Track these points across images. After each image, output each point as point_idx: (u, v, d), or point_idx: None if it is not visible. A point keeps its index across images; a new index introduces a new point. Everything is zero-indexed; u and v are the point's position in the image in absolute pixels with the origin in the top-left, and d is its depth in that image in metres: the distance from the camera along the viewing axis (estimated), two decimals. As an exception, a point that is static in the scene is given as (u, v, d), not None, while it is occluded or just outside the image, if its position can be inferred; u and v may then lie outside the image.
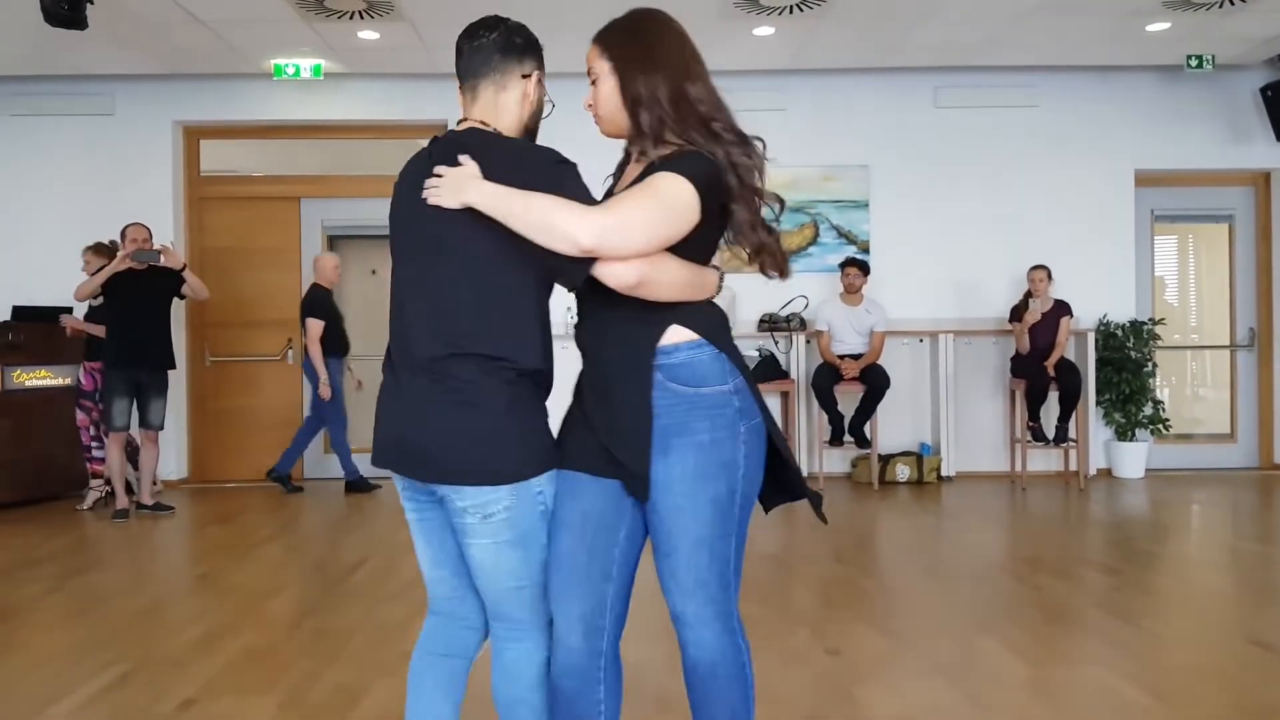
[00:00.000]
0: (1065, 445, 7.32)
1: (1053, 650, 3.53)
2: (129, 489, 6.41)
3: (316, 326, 7.03)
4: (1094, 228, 7.87)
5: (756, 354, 7.56)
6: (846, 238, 7.92)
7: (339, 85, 7.71)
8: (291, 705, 2.96)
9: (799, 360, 7.65)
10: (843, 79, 7.87)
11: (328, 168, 8.33)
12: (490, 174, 1.79)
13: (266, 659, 3.44)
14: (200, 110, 7.84)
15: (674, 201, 1.76)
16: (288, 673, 3.27)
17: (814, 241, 7.93)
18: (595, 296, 1.82)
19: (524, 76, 1.93)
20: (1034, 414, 7.24)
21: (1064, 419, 7.21)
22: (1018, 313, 7.31)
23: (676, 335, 1.82)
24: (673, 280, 1.79)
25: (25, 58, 7.11)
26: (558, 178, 1.80)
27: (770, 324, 7.68)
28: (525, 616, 1.91)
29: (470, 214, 1.78)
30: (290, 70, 7.31)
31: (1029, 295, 7.28)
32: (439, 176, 1.81)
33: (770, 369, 7.47)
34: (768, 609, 3.99)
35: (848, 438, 7.28)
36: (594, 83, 1.91)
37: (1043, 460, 7.66)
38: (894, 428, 7.67)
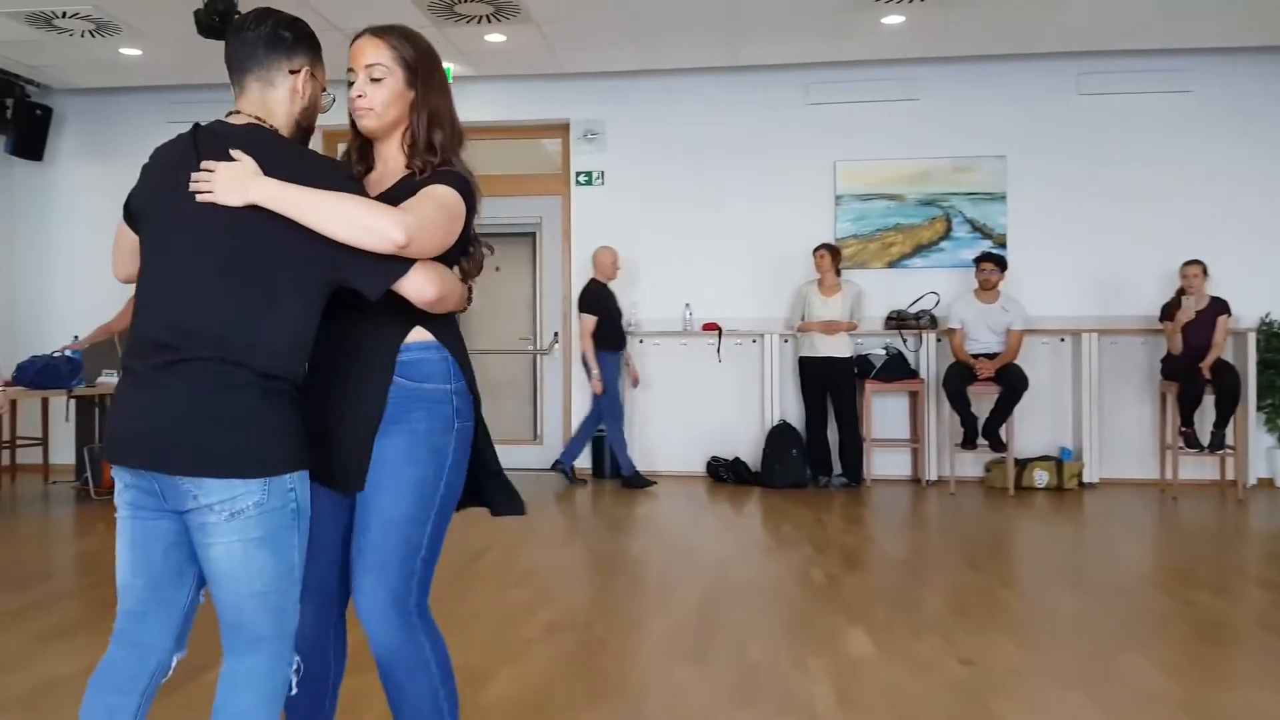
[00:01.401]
0: (1222, 453, 6.84)
1: (1206, 670, 3.27)
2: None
3: (590, 321, 7.08)
4: (1254, 220, 7.35)
5: (883, 352, 7.34)
6: (981, 232, 7.61)
7: (467, 88, 7.82)
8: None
9: (929, 360, 7.39)
10: (978, 67, 7.57)
11: (457, 171, 8.48)
12: (270, 173, 1.72)
13: (389, 645, 3.48)
14: (337, 114, 8.06)
15: (456, 213, 1.86)
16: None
17: (946, 236, 7.65)
18: (339, 312, 1.83)
19: (292, 72, 1.86)
20: (1187, 419, 6.78)
21: (1220, 424, 6.73)
22: (1169, 311, 6.87)
23: (414, 335, 1.92)
24: (454, 292, 1.89)
25: (180, 68, 7.50)
26: (349, 189, 1.78)
27: (898, 321, 7.46)
28: (265, 627, 1.76)
29: (247, 212, 1.70)
30: (422, 73, 7.48)
31: (1182, 292, 6.83)
32: (209, 171, 1.73)
33: (897, 368, 7.24)
34: (897, 616, 3.83)
35: (981, 440, 6.98)
36: (375, 80, 1.91)
37: (1196, 468, 7.19)
38: (1032, 431, 7.33)
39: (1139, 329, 7.34)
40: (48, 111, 8.11)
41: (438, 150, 1.93)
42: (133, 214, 1.89)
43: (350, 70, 1.93)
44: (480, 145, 8.65)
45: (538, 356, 8.24)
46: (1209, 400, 6.75)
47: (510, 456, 9.26)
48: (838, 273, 7.26)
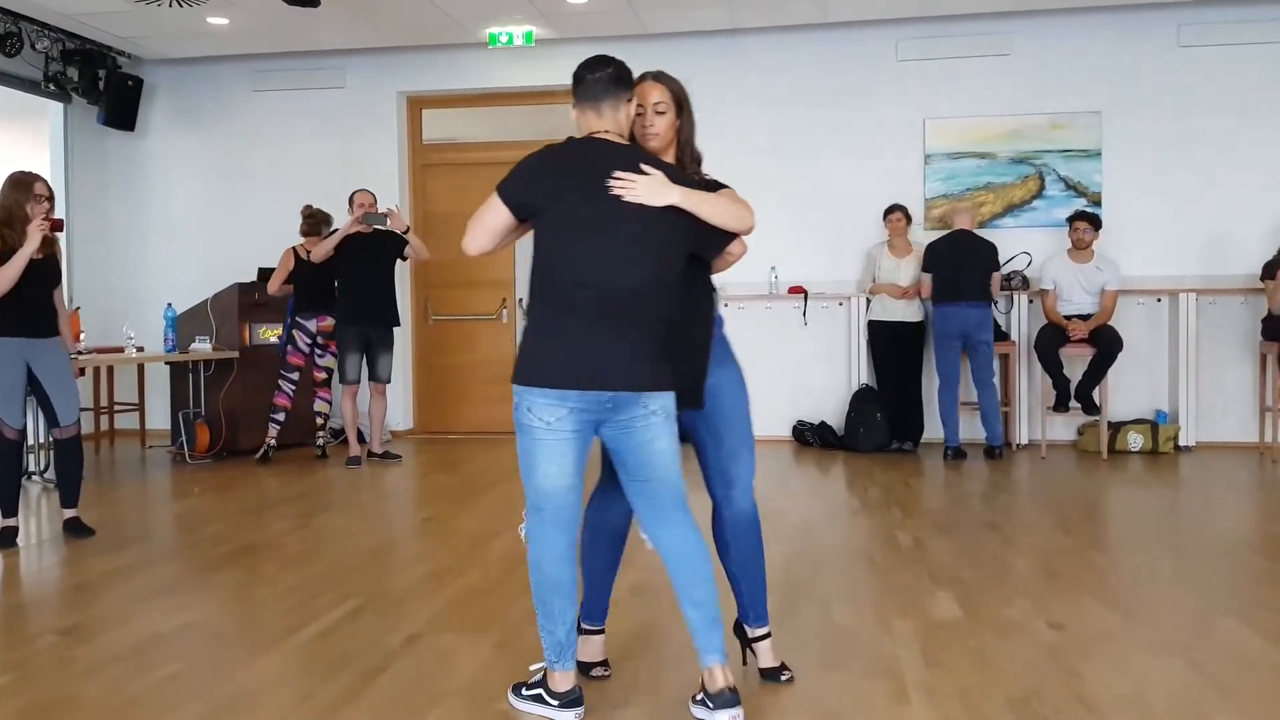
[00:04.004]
0: (1326, 416, 6.61)
1: (1311, 637, 3.20)
2: (360, 438, 6.88)
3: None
4: (1367, 174, 7.02)
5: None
6: (1075, 190, 7.42)
7: (550, 51, 7.88)
8: (507, 644, 3.09)
9: (1021, 321, 7.26)
10: (1072, 19, 7.33)
11: (540, 133, 8.45)
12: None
13: (485, 599, 3.61)
14: (422, 81, 8.23)
15: None
16: (505, 613, 3.42)
17: (1039, 194, 7.47)
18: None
19: (628, 101, 2.54)
20: (1289, 381, 6.57)
21: (1325, 387, 6.51)
22: (1272, 269, 6.62)
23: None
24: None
25: (265, 37, 7.69)
26: (706, 189, 2.54)
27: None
28: (683, 490, 2.54)
29: (661, 207, 2.39)
30: (504, 39, 7.55)
31: (1286, 250, 6.59)
32: (629, 179, 2.38)
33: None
34: (985, 579, 3.82)
35: (1074, 403, 6.86)
36: (661, 113, 2.60)
37: (1298, 432, 6.96)
38: (1126, 393, 7.17)
39: (1239, 288, 7.10)
40: (139, 82, 8.29)
41: (698, 161, 2.67)
42: (526, 203, 2.44)
43: (639, 106, 2.58)
44: (564, 109, 8.67)
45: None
46: (1314, 362, 6.52)
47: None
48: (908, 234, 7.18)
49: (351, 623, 3.33)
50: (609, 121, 2.51)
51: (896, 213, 7.16)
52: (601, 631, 2.81)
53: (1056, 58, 7.39)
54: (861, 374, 7.48)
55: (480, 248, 2.50)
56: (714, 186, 2.59)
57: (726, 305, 8.06)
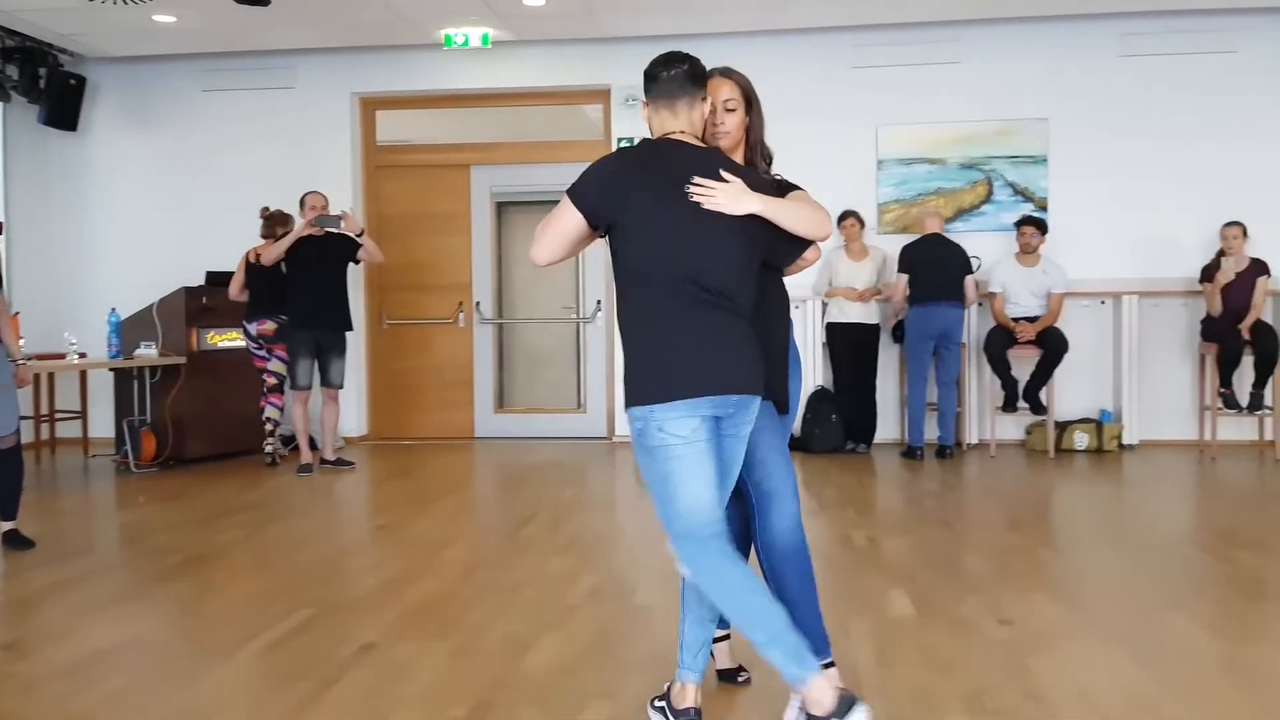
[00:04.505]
0: (1260, 413, 6.80)
1: (1249, 627, 3.30)
2: (312, 444, 6.80)
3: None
4: (1296, 181, 7.23)
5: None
6: (1023, 195, 7.55)
7: (506, 53, 7.85)
8: (464, 653, 3.08)
9: (971, 323, 7.37)
10: (1019, 28, 7.46)
11: (497, 135, 8.53)
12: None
13: (441, 607, 3.59)
14: (376, 82, 8.16)
15: None
16: (461, 621, 3.40)
17: (987, 199, 7.59)
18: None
19: (702, 99, 2.42)
20: (1226, 380, 6.74)
21: (1259, 385, 6.69)
22: (1209, 273, 6.80)
23: None
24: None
25: (214, 35, 7.57)
26: (784, 195, 2.49)
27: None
28: None
29: (738, 216, 2.31)
30: (459, 40, 7.51)
31: (1222, 254, 6.77)
32: (709, 185, 2.28)
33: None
34: (938, 577, 3.88)
35: (1022, 404, 6.98)
36: (731, 110, 2.53)
37: (1235, 429, 7.14)
38: (1072, 394, 7.31)
39: (1179, 291, 7.27)
40: (81, 81, 8.07)
41: (768, 160, 2.62)
42: (601, 209, 2.32)
43: (711, 102, 2.47)
44: (520, 111, 8.72)
45: (581, 325, 8.31)
46: (1248, 361, 6.70)
47: (555, 425, 9.38)
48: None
49: (304, 633, 3.29)
50: (684, 121, 2.39)
51: (850, 218, 7.24)
52: (727, 636, 2.77)
53: (1005, 66, 7.52)
54: (818, 376, 7.54)
55: (551, 256, 2.36)
56: (786, 188, 2.54)
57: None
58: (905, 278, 6.98)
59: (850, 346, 7.23)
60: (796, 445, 7.38)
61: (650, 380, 2.26)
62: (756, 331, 2.38)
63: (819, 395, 7.39)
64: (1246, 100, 7.29)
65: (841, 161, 7.61)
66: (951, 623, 3.29)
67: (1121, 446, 7.18)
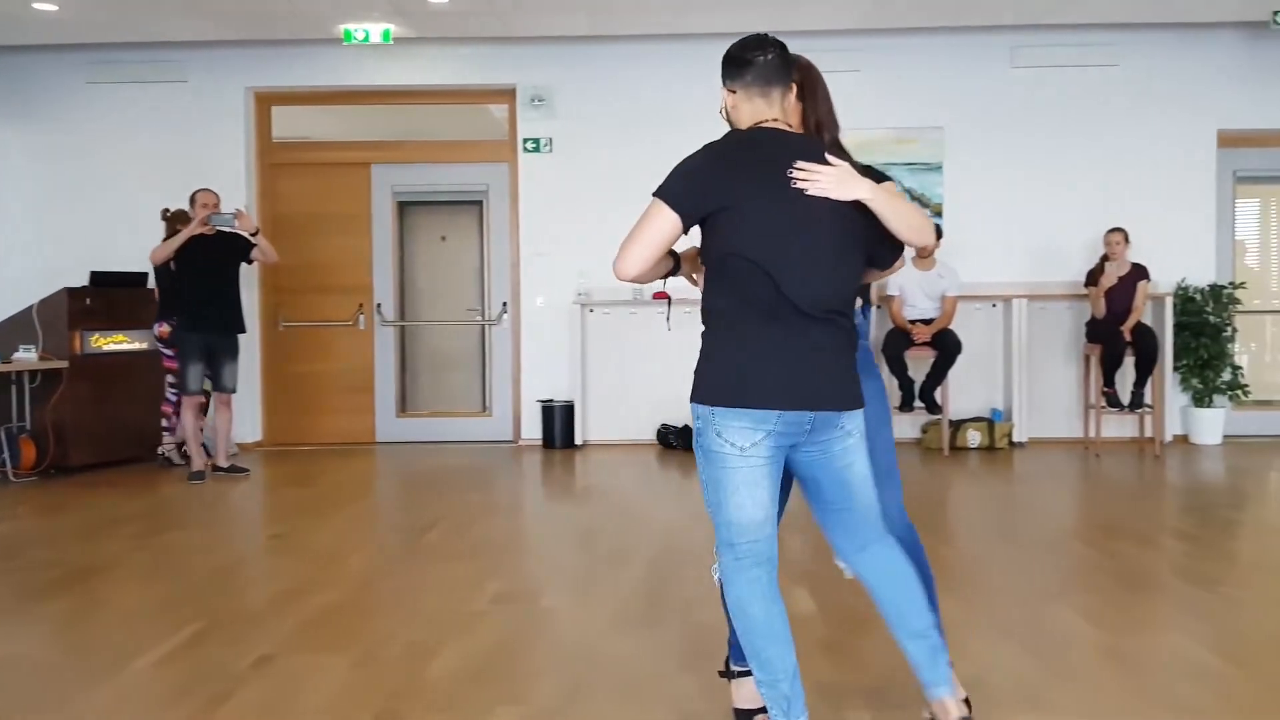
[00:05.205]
0: (1141, 411, 7.12)
1: (1129, 617, 3.45)
2: (205, 451, 6.58)
3: None
4: (1173, 190, 7.61)
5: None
6: (919, 200, 7.76)
7: (409, 50, 7.72)
8: (365, 662, 3.01)
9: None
10: (918, 39, 7.68)
11: (398, 133, 8.38)
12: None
13: (340, 618, 3.51)
14: (272, 77, 7.94)
15: None
16: (361, 631, 3.33)
17: (884, 204, 7.78)
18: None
19: (792, 84, 2.28)
20: (1109, 380, 7.05)
21: (1140, 384, 7.02)
22: (1094, 276, 7.11)
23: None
24: None
25: (102, 26, 7.25)
26: (873, 176, 2.28)
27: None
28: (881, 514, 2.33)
29: (844, 203, 2.15)
30: (360, 35, 7.35)
31: (1105, 259, 7.08)
32: (814, 169, 2.13)
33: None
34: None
35: (918, 403, 7.17)
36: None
37: (1117, 426, 7.47)
38: (965, 393, 7.54)
39: (1066, 294, 7.57)
40: (-46, 73, 7.70)
41: (839, 145, 2.37)
42: (699, 208, 2.16)
43: None
44: (424, 110, 8.58)
45: (486, 327, 8.22)
46: (1129, 361, 7.02)
47: (460, 429, 9.26)
48: None
49: (195, 647, 3.18)
50: (778, 109, 2.23)
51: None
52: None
53: (903, 74, 7.72)
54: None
55: (642, 268, 2.19)
56: (878, 176, 2.33)
57: (592, 311, 8.21)
58: None
59: None
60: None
61: (718, 380, 2.14)
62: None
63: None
64: (1129, 111, 7.63)
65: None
66: (853, 619, 3.35)
67: (1012, 444, 7.44)
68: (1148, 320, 7.16)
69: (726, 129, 2.33)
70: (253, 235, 6.41)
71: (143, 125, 7.86)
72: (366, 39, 7.37)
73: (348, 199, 8.11)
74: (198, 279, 6.33)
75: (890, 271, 2.45)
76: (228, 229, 6.33)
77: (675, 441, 7.59)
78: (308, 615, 3.51)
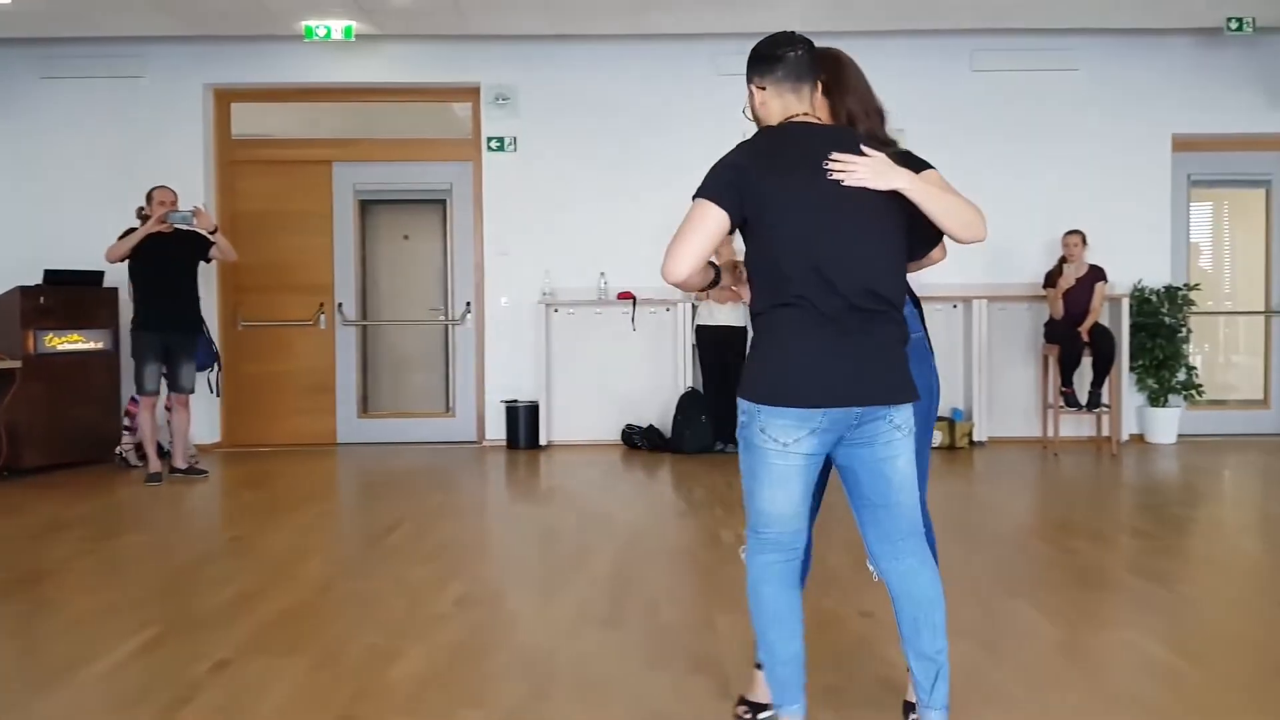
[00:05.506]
0: (1098, 411, 7.24)
1: (1084, 613, 3.50)
2: (161, 453, 6.48)
3: None
4: (1130, 193, 7.74)
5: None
6: (879, 201, 7.82)
7: (371, 47, 7.66)
8: (324, 666, 2.99)
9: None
10: (877, 41, 7.70)
11: (360, 131, 8.31)
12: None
13: (298, 621, 3.47)
14: (231, 73, 7.84)
15: None
16: (320, 634, 3.30)
17: (846, 205, 7.83)
18: None
19: (818, 83, 2.32)
20: (1067, 380, 7.16)
21: (1097, 384, 7.13)
22: (1052, 278, 7.22)
23: None
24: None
25: (57, 19, 7.12)
26: (912, 164, 2.29)
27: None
28: (920, 517, 2.31)
29: (883, 194, 2.13)
30: (321, 32, 7.27)
31: (1063, 260, 7.20)
32: (850, 159, 2.11)
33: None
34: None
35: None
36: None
37: (1075, 426, 7.58)
38: (925, 394, 7.60)
39: (1025, 295, 7.67)
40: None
41: (876, 136, 2.34)
42: (742, 205, 2.14)
43: None
44: (386, 108, 8.51)
45: (450, 327, 8.17)
46: (1087, 362, 7.14)
47: (422, 429, 9.20)
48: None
49: (150, 652, 3.13)
50: (808, 104, 2.26)
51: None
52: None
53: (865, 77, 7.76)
54: (688, 377, 7.63)
55: (693, 265, 2.15)
56: (918, 164, 2.32)
57: (557, 311, 8.17)
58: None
59: (718, 348, 7.34)
60: (667, 446, 7.47)
61: (765, 379, 2.16)
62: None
63: (688, 397, 7.48)
64: (1087, 115, 7.75)
65: (704, 170, 7.71)
66: (814, 615, 3.35)
67: (972, 443, 7.53)
68: (1105, 321, 7.28)
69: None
70: (211, 233, 6.33)
71: (99, 121, 7.74)
72: (328, 35, 7.30)
73: (309, 197, 8.03)
74: (155, 277, 6.24)
75: (925, 265, 2.42)
76: (186, 227, 6.24)
77: (640, 442, 7.59)
78: (267, 618, 3.47)
